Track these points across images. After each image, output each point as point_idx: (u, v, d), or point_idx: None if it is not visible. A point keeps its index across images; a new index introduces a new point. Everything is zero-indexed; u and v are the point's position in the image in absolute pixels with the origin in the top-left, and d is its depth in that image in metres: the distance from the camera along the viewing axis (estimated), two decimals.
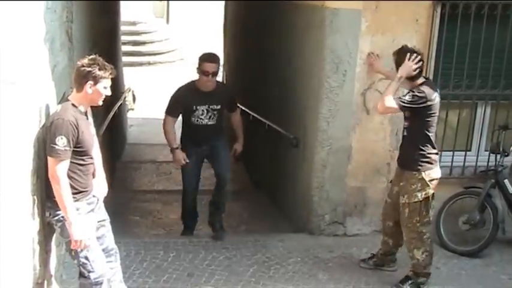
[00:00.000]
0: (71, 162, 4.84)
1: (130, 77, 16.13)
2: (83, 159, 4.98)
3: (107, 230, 5.44)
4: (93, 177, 5.24)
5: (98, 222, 5.27)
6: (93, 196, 5.20)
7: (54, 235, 5.48)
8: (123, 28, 15.11)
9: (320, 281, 6.52)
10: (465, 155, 7.69)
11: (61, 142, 4.68)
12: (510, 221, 7.29)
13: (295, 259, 7.02)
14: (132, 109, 14.81)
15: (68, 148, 4.72)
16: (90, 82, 4.81)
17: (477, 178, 7.50)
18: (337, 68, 7.19)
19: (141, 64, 21.02)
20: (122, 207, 9.16)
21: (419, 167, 6.20)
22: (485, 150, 7.72)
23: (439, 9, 7.20)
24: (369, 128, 7.20)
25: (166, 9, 25.40)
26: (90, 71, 4.80)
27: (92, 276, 4.99)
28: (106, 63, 4.91)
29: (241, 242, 7.53)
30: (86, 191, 5.07)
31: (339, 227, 7.59)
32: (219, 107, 7.33)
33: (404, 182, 6.24)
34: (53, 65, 5.59)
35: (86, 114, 5.05)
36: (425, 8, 7.16)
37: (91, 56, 4.95)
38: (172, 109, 7.36)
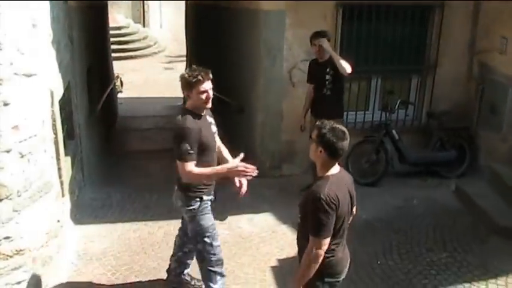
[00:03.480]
0: (198, 159, 4.20)
1: (118, 67, 15.84)
2: (207, 155, 4.30)
3: None
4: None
5: None
6: (211, 198, 4.53)
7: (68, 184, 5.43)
8: (111, 32, 14.89)
9: (264, 210, 6.58)
10: (364, 113, 7.75)
11: (184, 148, 4.06)
12: (396, 159, 7.48)
13: (246, 195, 6.96)
14: (121, 91, 14.59)
15: (191, 152, 4.10)
16: (185, 91, 4.21)
17: (373, 130, 7.58)
18: (269, 53, 7.21)
19: (126, 58, 20.72)
20: (117, 163, 9.10)
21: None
22: (378, 109, 7.78)
23: (340, 10, 7.22)
24: (294, 96, 7.18)
25: (143, 17, 25.25)
26: (183, 82, 4.21)
27: (213, 258, 4.48)
28: (195, 71, 4.16)
29: None
30: (210, 185, 4.45)
31: (277, 170, 7.61)
32: None
33: None
34: (59, 61, 5.58)
35: (204, 115, 4.35)
36: (330, 9, 7.19)
37: (189, 69, 4.30)
38: None
